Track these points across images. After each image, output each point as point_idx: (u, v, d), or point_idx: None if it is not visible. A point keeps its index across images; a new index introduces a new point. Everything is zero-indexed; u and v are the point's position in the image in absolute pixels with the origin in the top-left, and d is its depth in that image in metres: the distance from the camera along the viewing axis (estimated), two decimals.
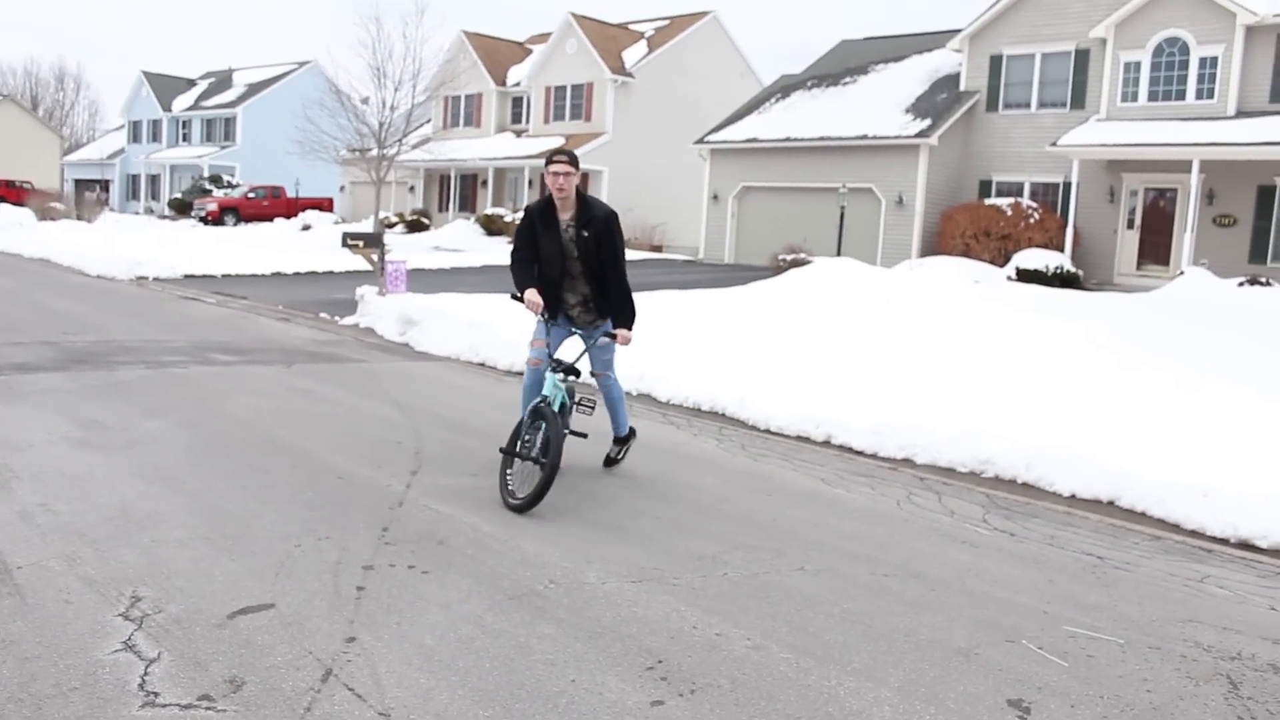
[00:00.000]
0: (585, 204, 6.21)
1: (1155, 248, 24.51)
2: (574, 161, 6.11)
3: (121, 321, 13.94)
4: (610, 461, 6.89)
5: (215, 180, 51.66)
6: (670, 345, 11.25)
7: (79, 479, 5.95)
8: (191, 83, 65.42)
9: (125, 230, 35.89)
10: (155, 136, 63.28)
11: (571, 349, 6.57)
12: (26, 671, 3.53)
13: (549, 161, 6.11)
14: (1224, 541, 6.16)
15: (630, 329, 6.28)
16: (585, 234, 6.17)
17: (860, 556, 5.40)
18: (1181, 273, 21.39)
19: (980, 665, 4.07)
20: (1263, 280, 20.02)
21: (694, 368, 10.26)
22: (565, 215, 6.22)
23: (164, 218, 50.84)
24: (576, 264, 6.28)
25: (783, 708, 3.60)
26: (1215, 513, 6.36)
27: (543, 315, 6.27)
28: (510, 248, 6.50)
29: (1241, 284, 19.79)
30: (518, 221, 6.53)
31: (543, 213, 6.25)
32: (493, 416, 8.63)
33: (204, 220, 44.52)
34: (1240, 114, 22.71)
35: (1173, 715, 3.72)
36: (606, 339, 6.44)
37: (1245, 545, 6.09)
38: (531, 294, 6.17)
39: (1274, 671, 4.18)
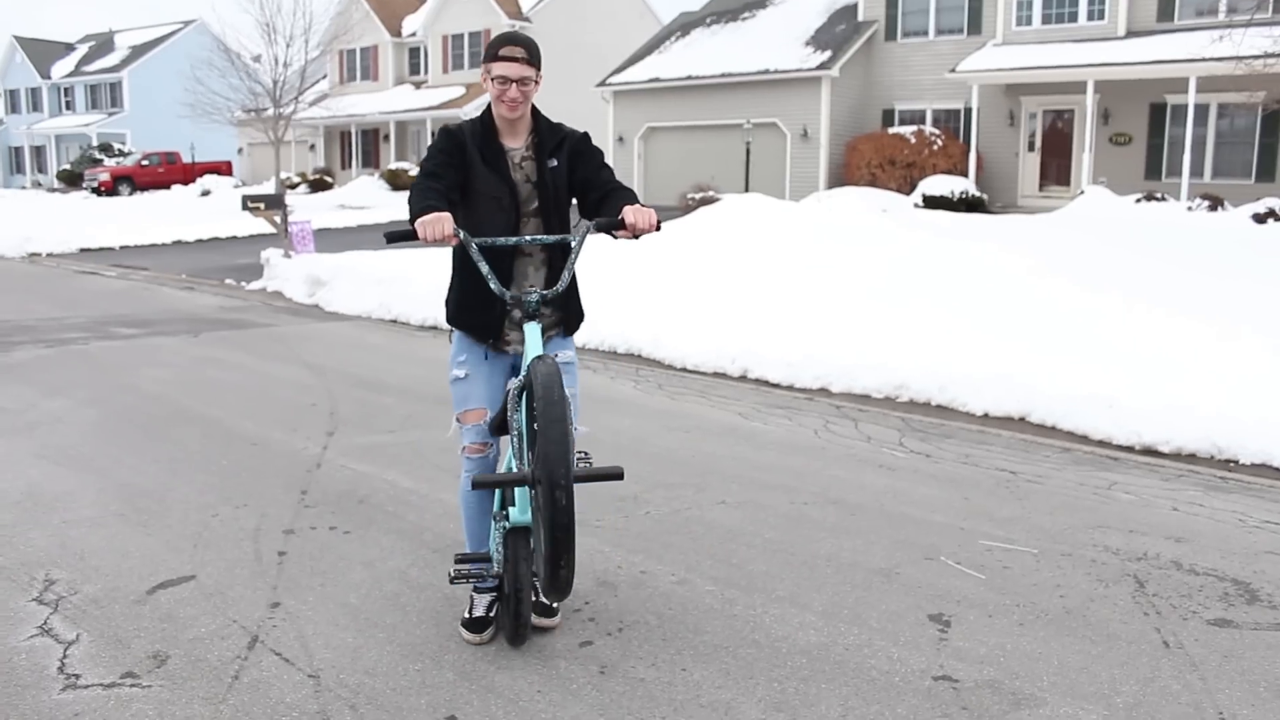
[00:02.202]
0: (549, 122, 3.74)
1: (1056, 169, 25.02)
2: (534, 55, 3.56)
3: (14, 300, 13.46)
4: (547, 612, 3.75)
5: (105, 149, 49.75)
6: (584, 289, 11.21)
7: None
8: (70, 47, 62.64)
9: (12, 206, 34.53)
10: (35, 106, 60.63)
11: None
12: None
13: (493, 55, 3.52)
14: (1129, 449, 6.38)
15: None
16: (553, 163, 3.68)
17: (780, 487, 5.48)
18: (1082, 192, 21.89)
19: (901, 584, 4.17)
20: (1158, 196, 20.58)
21: (608, 310, 10.24)
22: (516, 142, 3.68)
23: (54, 190, 48.95)
24: (534, 220, 3.68)
25: (710, 639, 3.66)
26: (1120, 423, 6.58)
27: (481, 342, 3.70)
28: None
29: (1139, 200, 20.33)
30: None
31: (481, 139, 3.64)
32: (407, 372, 8.55)
33: (97, 191, 42.91)
34: (1130, 34, 23.17)
35: (1084, 617, 3.86)
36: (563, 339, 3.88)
37: (1149, 451, 6.32)
38: (436, 219, 3.26)
39: (1177, 568, 4.36)
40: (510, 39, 3.54)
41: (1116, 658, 3.54)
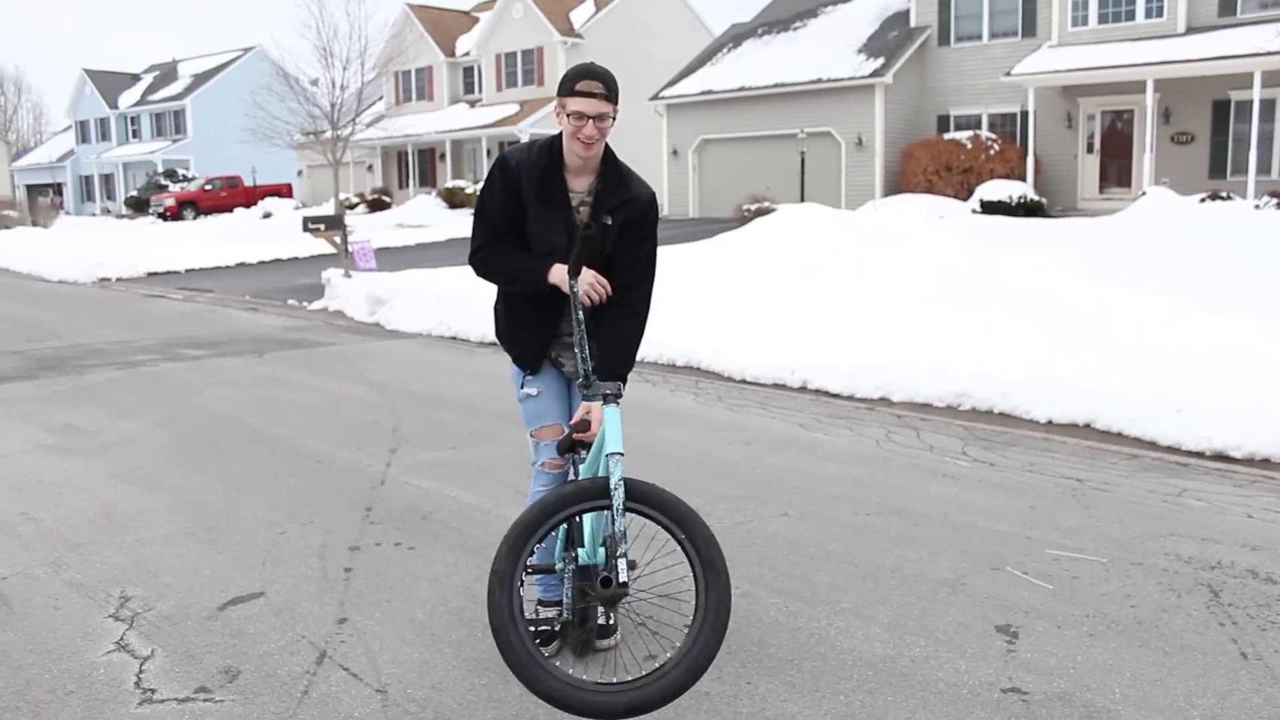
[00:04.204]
0: (618, 171, 3.53)
1: (1116, 170, 24.61)
2: (612, 91, 3.37)
3: (87, 325, 13.80)
4: (604, 633, 3.77)
5: (170, 175, 50.95)
6: None
7: (57, 485, 5.91)
8: (136, 77, 64.24)
9: (83, 232, 35.43)
10: (104, 135, 62.24)
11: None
12: (21, 679, 3.52)
13: (570, 89, 3.36)
14: (1200, 455, 6.25)
15: (621, 393, 3.40)
16: (608, 221, 3.50)
17: (842, 498, 5.45)
18: (1143, 193, 21.50)
19: (967, 595, 4.12)
20: (1223, 195, 20.14)
21: (666, 323, 10.25)
22: (580, 183, 3.51)
23: (121, 217, 50.15)
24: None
25: (774, 651, 3.65)
26: (1189, 427, 6.44)
27: (531, 368, 3.71)
28: (472, 240, 3.58)
29: (1203, 200, 19.92)
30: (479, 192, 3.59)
31: (543, 173, 3.47)
32: (468, 389, 8.63)
33: (162, 216, 43.96)
34: (1191, 30, 22.74)
35: (1156, 627, 3.79)
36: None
37: (1220, 457, 6.18)
38: (594, 275, 3.46)
39: (1253, 577, 4.26)
40: (588, 72, 3.36)
41: (1192, 669, 3.46)
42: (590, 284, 3.43)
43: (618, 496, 3.13)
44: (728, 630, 3.11)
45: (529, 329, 3.65)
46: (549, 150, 3.48)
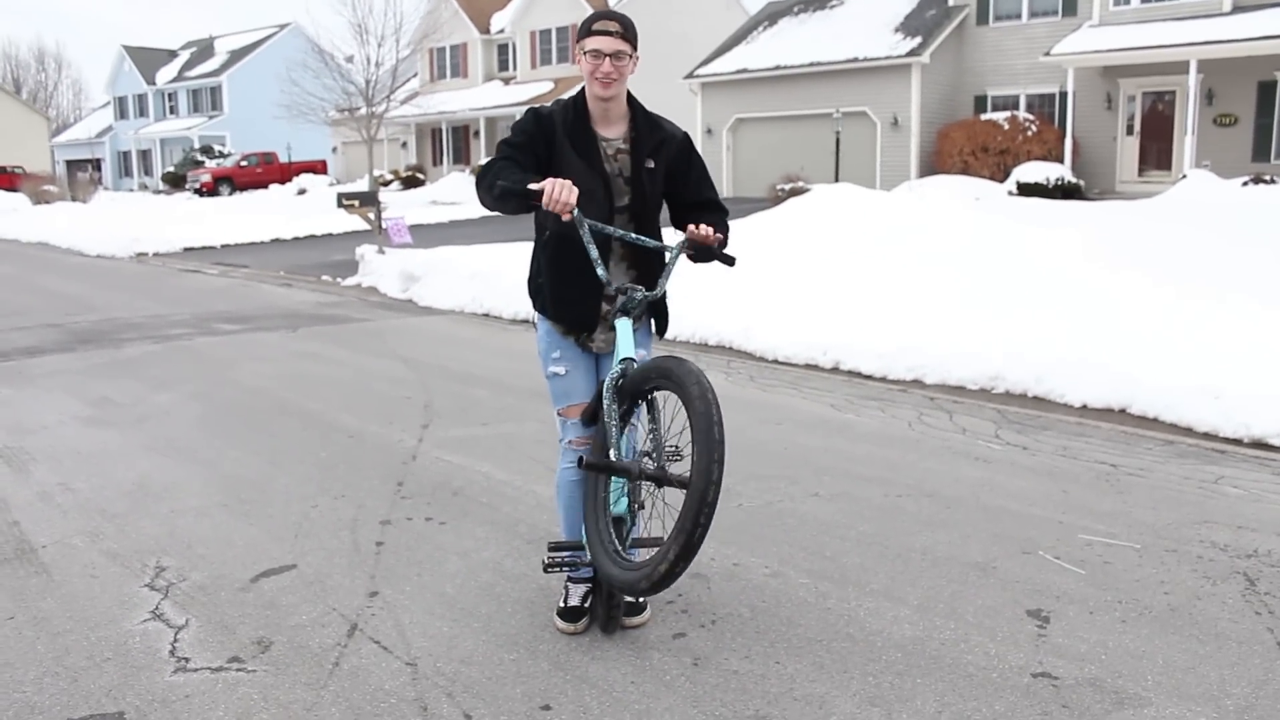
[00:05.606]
0: (648, 117, 3.58)
1: (1156, 153, 24.26)
2: (629, 31, 3.38)
3: (124, 299, 13.95)
4: (634, 610, 3.71)
5: (206, 151, 51.32)
6: (674, 281, 11.19)
7: (94, 456, 5.99)
8: (173, 54, 64.67)
9: (121, 208, 35.78)
10: (142, 111, 62.75)
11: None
12: (60, 645, 3.58)
13: (587, 30, 3.39)
14: (1237, 442, 6.17)
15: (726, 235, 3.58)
16: (650, 165, 3.54)
17: (873, 479, 5.42)
18: (1184, 176, 21.18)
19: (998, 578, 4.10)
20: (1266, 178, 19.81)
21: (699, 302, 10.23)
22: (611, 131, 3.52)
23: (159, 192, 50.61)
24: (622, 216, 3.55)
25: (803, 631, 3.64)
26: (1228, 414, 6.36)
27: (570, 335, 3.64)
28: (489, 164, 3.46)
29: (1245, 183, 19.60)
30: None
31: (572, 125, 3.48)
32: (500, 365, 8.65)
33: (199, 192, 44.33)
34: (1237, 9, 22.33)
35: (1190, 615, 3.75)
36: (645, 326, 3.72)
37: (1259, 444, 6.10)
38: (565, 184, 3.23)
39: None
40: (604, 14, 3.39)
41: (1226, 658, 3.42)
42: (563, 192, 3.22)
43: (608, 381, 3.34)
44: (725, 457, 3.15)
45: (580, 289, 3.55)
46: (575, 103, 3.53)
